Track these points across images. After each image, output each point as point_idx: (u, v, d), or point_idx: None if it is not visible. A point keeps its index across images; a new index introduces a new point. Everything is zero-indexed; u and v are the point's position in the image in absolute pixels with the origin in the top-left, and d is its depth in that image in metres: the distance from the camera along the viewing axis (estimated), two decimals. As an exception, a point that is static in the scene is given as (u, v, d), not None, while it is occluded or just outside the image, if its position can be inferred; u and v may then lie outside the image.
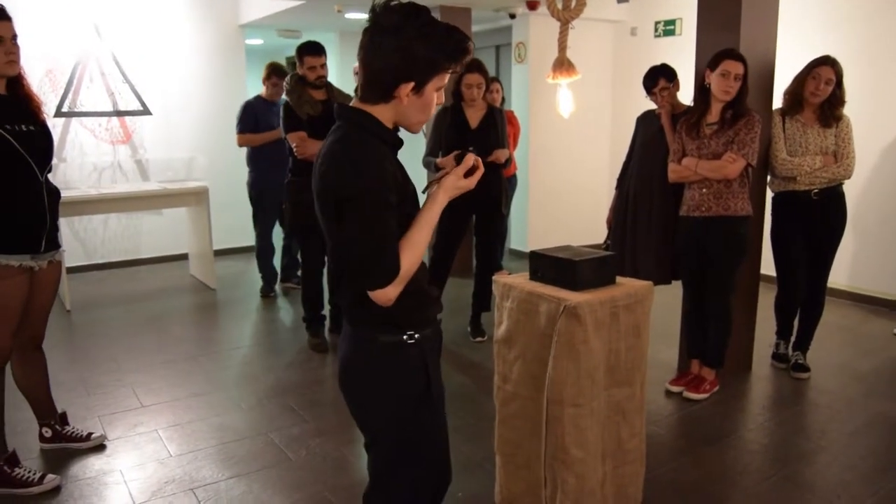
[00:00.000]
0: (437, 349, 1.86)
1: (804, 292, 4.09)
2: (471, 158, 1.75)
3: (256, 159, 5.69)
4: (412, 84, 1.60)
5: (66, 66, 6.57)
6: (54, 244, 2.95)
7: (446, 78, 1.67)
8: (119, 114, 6.92)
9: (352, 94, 4.09)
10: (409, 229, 1.66)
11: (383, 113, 1.66)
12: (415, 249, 1.64)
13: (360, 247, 1.58)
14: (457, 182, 1.73)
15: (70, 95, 6.63)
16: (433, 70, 1.61)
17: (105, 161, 6.91)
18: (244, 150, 5.85)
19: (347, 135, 1.64)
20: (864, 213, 5.43)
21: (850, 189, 4.04)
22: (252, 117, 5.61)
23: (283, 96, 4.45)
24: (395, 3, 1.58)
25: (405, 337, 1.72)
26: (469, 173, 1.74)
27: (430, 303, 1.82)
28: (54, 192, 2.94)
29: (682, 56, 5.43)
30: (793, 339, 4.24)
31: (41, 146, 2.86)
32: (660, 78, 4.04)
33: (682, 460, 3.17)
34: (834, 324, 4.98)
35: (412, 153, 5.57)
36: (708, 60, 3.63)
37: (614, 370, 2.51)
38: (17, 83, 2.82)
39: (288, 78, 4.50)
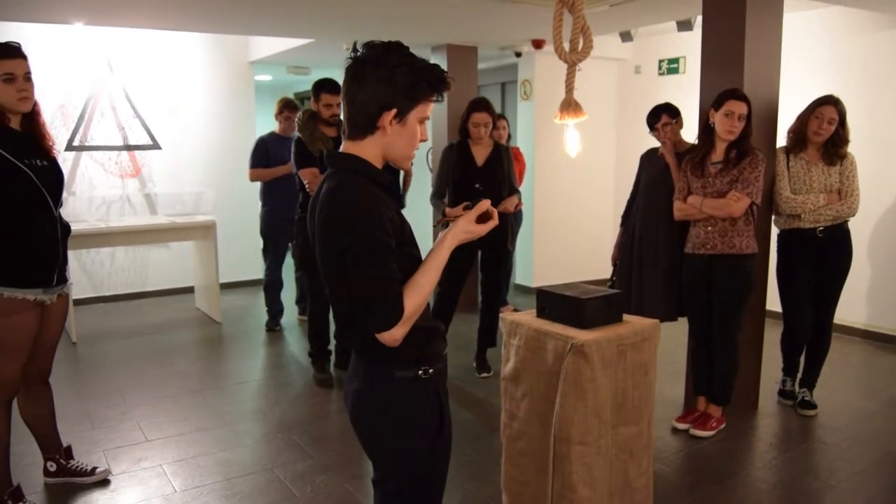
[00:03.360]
0: (445, 384, 1.88)
1: (810, 329, 4.08)
2: (486, 203, 1.76)
3: (269, 194, 5.76)
4: (394, 111, 1.64)
5: (78, 101, 6.68)
6: (63, 278, 2.98)
7: (429, 109, 1.71)
8: (129, 148, 7.01)
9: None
10: (415, 272, 1.68)
11: (370, 149, 1.69)
12: (420, 292, 1.66)
13: (365, 291, 1.61)
14: (467, 226, 1.75)
15: (81, 130, 6.73)
16: (414, 97, 1.66)
17: (114, 194, 6.98)
18: (254, 185, 5.90)
19: (343, 182, 1.66)
20: (872, 250, 5.44)
21: (860, 225, 4.04)
22: (263, 153, 5.68)
23: (296, 132, 4.48)
24: (377, 41, 1.66)
25: (420, 372, 1.74)
26: (481, 220, 1.76)
27: (441, 337, 1.85)
28: (65, 227, 2.97)
29: (686, 94, 5.51)
30: (799, 375, 4.23)
31: (54, 181, 2.90)
32: (662, 114, 4.08)
33: (689, 499, 3.15)
34: (841, 360, 4.96)
35: (420, 189, 5.64)
36: (712, 100, 3.68)
37: (622, 408, 2.51)
38: (32, 119, 2.87)
39: (300, 114, 4.53)
